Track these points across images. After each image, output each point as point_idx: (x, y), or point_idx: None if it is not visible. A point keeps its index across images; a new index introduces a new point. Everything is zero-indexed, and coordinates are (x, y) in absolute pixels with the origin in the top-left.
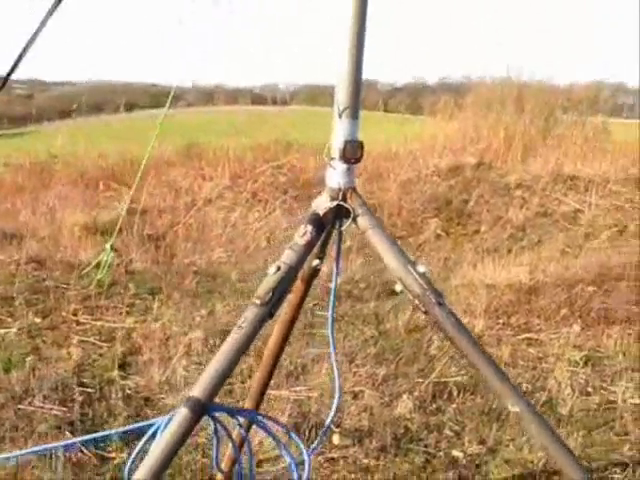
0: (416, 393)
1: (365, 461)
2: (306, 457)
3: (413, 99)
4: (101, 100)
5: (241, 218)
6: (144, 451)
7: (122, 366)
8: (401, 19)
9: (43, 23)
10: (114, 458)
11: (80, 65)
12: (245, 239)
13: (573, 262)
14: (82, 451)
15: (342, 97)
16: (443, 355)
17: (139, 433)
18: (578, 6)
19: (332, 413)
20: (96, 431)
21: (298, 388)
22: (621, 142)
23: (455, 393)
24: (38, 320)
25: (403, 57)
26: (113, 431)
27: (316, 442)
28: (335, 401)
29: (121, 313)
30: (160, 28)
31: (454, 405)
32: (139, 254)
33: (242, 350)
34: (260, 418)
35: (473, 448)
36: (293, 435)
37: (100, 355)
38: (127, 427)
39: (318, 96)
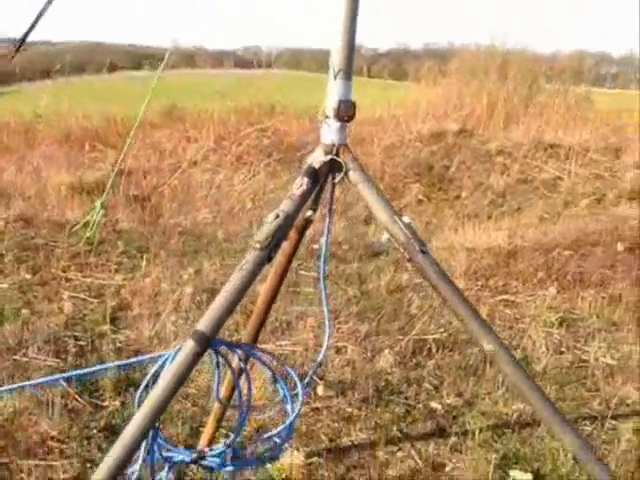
0: (397, 349)
1: (348, 410)
2: (300, 390)
3: (397, 65)
4: (82, 60)
5: (226, 180)
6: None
7: (113, 320)
8: None
9: None
10: (107, 406)
11: (59, 25)
12: (230, 201)
13: (551, 228)
14: (77, 400)
15: (337, 59)
16: (423, 314)
17: (132, 381)
18: None
19: (324, 349)
20: (89, 382)
21: (283, 342)
22: (603, 111)
23: (434, 349)
24: (28, 276)
25: (387, 23)
26: (114, 363)
27: (308, 377)
28: (326, 340)
29: (110, 270)
30: None
31: (433, 361)
32: (125, 214)
33: (244, 289)
34: (257, 352)
35: (451, 400)
36: (288, 369)
37: (91, 310)
38: (130, 360)
39: (300, 60)
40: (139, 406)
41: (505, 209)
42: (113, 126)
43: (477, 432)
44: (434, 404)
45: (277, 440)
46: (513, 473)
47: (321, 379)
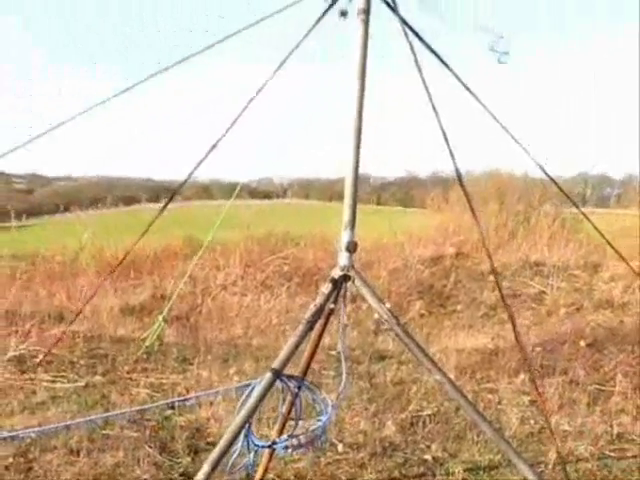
0: (398, 421)
1: (361, 461)
2: (331, 407)
3: (405, 192)
4: (99, 194)
5: (253, 302)
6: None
7: (173, 407)
8: (393, 115)
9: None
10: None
11: (79, 160)
12: (257, 319)
13: (529, 331)
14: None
15: (346, 215)
16: (419, 397)
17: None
18: (563, 101)
19: (341, 388)
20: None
21: None
22: (592, 233)
23: (427, 421)
24: (99, 377)
25: (396, 151)
26: (222, 389)
27: (336, 398)
28: (342, 382)
29: (165, 372)
30: (156, 125)
31: (426, 429)
32: (170, 330)
33: (299, 342)
34: (305, 382)
35: (439, 454)
36: (323, 393)
37: (154, 400)
38: (231, 386)
39: (310, 189)
40: (238, 413)
41: (496, 320)
42: (145, 256)
43: (457, 473)
44: (426, 456)
45: (316, 433)
46: None
47: (340, 441)
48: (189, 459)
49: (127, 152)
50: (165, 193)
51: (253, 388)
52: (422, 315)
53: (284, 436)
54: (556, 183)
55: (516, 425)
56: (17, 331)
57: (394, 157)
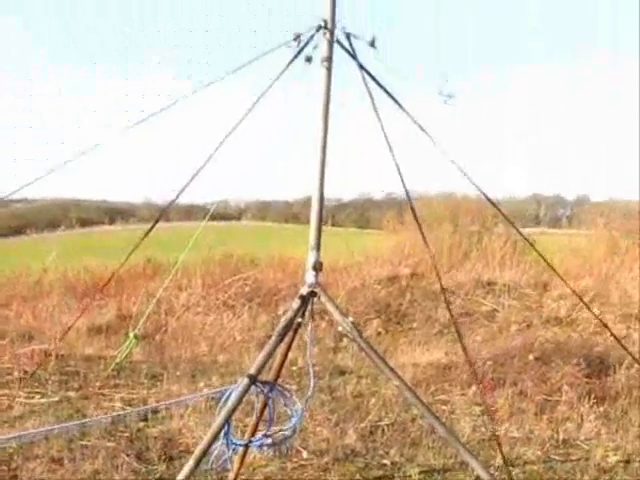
0: (358, 430)
1: (325, 466)
2: (299, 406)
3: (360, 214)
4: (55, 217)
5: (216, 321)
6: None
7: (146, 419)
8: (347, 137)
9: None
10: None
11: (34, 183)
12: (221, 337)
13: (481, 347)
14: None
15: (312, 239)
16: (377, 409)
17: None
18: (518, 121)
19: (310, 392)
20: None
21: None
22: (544, 252)
23: (385, 429)
24: (72, 393)
25: (349, 173)
26: (205, 392)
27: (305, 401)
28: (311, 387)
29: (134, 388)
30: (112, 145)
31: (384, 437)
32: (137, 349)
33: (272, 351)
34: (277, 386)
35: (397, 459)
36: (293, 394)
37: (127, 414)
38: (210, 391)
39: (266, 211)
40: (218, 415)
41: (449, 337)
42: (108, 277)
43: (414, 475)
44: (384, 461)
45: (288, 434)
46: None
47: (305, 448)
48: (164, 466)
49: (81, 175)
50: (119, 215)
51: (231, 392)
52: (379, 333)
53: (259, 435)
54: (494, 205)
55: (468, 432)
56: None
57: (349, 179)
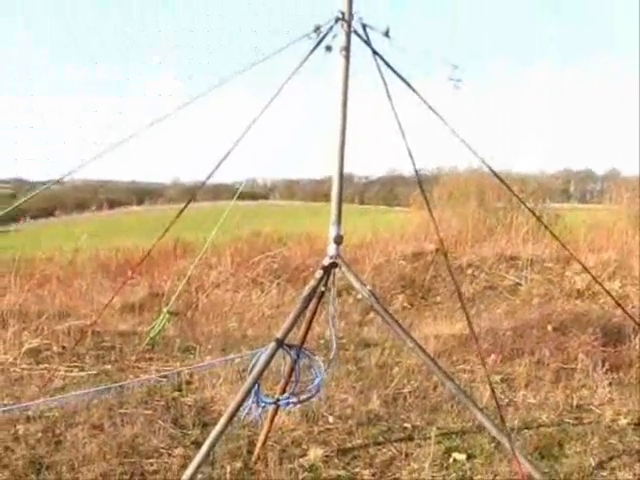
0: (382, 397)
1: (349, 429)
2: (323, 366)
3: (389, 190)
4: (86, 198)
5: (244, 297)
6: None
7: (179, 389)
8: (376, 115)
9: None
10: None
11: (64, 164)
12: (250, 313)
13: (503, 319)
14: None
15: (333, 214)
16: (400, 377)
17: None
18: (547, 99)
19: (332, 353)
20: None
21: None
22: (570, 227)
23: (407, 396)
24: (108, 367)
25: (379, 150)
26: (237, 356)
27: (328, 364)
28: (333, 348)
29: (168, 361)
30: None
31: (406, 402)
32: (169, 325)
33: (296, 318)
34: (304, 350)
35: (418, 422)
36: (317, 358)
37: (161, 386)
38: (242, 354)
39: (293, 190)
40: (250, 373)
41: (474, 311)
42: (140, 257)
43: (433, 437)
44: (406, 424)
45: (312, 392)
46: (454, 455)
47: (330, 414)
48: (198, 431)
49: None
50: (148, 195)
51: (260, 355)
52: (404, 307)
53: (286, 394)
54: (502, 180)
55: (487, 398)
56: (28, 327)
57: (378, 157)
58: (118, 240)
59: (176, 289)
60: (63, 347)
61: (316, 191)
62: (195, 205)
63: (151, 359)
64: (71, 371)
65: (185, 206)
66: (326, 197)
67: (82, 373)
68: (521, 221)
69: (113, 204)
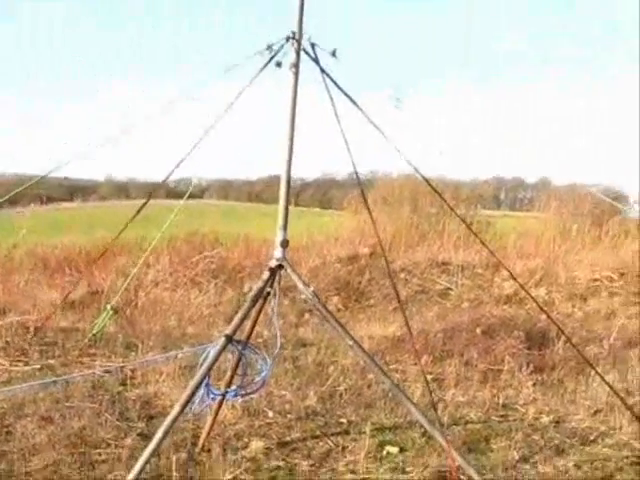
0: (318, 394)
1: (288, 424)
2: (269, 361)
3: (323, 193)
4: (5, 192)
5: (183, 296)
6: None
7: (124, 384)
8: (312, 115)
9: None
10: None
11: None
12: (189, 312)
13: (434, 322)
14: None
15: (280, 219)
16: (337, 374)
17: None
18: (483, 106)
19: (277, 349)
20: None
21: None
22: (500, 234)
23: (343, 393)
24: (52, 361)
25: (313, 153)
26: (174, 353)
27: (273, 357)
28: (277, 343)
29: (110, 357)
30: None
31: (342, 399)
32: (110, 322)
33: (245, 315)
34: (250, 345)
35: (353, 418)
36: (263, 351)
37: (105, 380)
38: (192, 349)
39: (228, 190)
40: (200, 367)
41: (407, 314)
42: (77, 254)
43: (367, 429)
44: (342, 420)
45: (258, 384)
46: (387, 448)
47: (270, 409)
48: (143, 424)
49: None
50: (80, 192)
51: (210, 349)
52: (339, 309)
53: (234, 387)
54: (434, 188)
55: (418, 396)
56: None
57: (313, 159)
58: (55, 236)
59: (115, 287)
60: (6, 342)
61: (250, 192)
62: (129, 203)
63: (94, 355)
64: (15, 365)
65: (143, 205)
66: (258, 197)
67: (26, 367)
68: (453, 228)
69: (45, 200)
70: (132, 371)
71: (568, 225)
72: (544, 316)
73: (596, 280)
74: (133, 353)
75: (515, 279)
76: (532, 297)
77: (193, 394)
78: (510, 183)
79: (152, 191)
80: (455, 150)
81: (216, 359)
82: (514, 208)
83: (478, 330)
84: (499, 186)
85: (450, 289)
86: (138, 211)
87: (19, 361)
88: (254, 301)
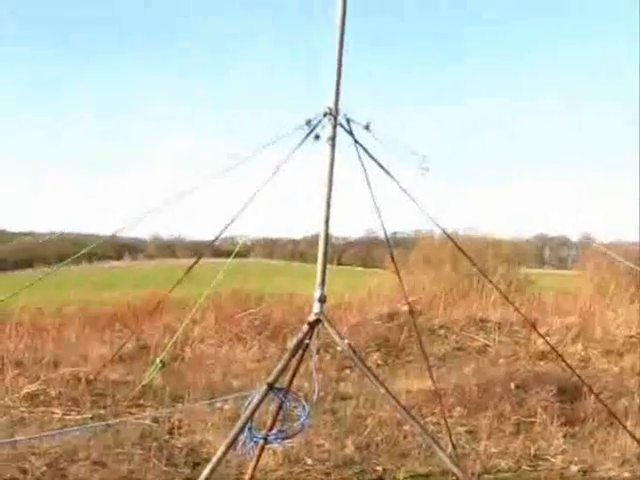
0: (356, 443)
1: (327, 471)
2: (308, 407)
3: (367, 252)
4: (64, 251)
5: (228, 352)
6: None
7: (171, 432)
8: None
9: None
10: None
11: (42, 216)
12: (234, 366)
13: (471, 377)
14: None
15: (318, 277)
16: (373, 426)
17: None
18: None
19: (315, 396)
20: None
21: None
22: (541, 291)
23: (379, 444)
24: (102, 412)
25: (357, 213)
26: (218, 399)
27: (312, 403)
28: (315, 392)
29: (157, 407)
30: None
31: (379, 448)
32: (157, 374)
33: (286, 365)
34: (291, 393)
35: (388, 466)
36: (302, 399)
37: (157, 427)
38: (236, 394)
39: (273, 248)
40: (244, 412)
41: (444, 370)
42: (126, 310)
43: (402, 477)
44: (378, 467)
45: (298, 429)
46: None
47: (309, 457)
48: (189, 470)
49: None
50: (128, 250)
51: (253, 396)
52: (378, 365)
53: (274, 431)
54: (461, 249)
55: (450, 448)
56: (24, 373)
57: (356, 218)
58: (104, 293)
59: (162, 342)
60: (60, 392)
61: (294, 250)
62: (175, 261)
63: (143, 405)
64: (68, 414)
65: (195, 263)
66: (302, 257)
67: (79, 416)
68: (491, 286)
69: (92, 258)
70: (179, 421)
71: (605, 282)
72: (579, 372)
73: (632, 337)
74: (180, 404)
75: (544, 338)
76: (559, 354)
77: (237, 436)
78: (555, 241)
79: (202, 251)
80: (498, 208)
81: (258, 405)
82: (559, 266)
83: (512, 384)
84: (543, 244)
85: (488, 346)
86: (189, 269)
87: (72, 410)
88: (294, 352)
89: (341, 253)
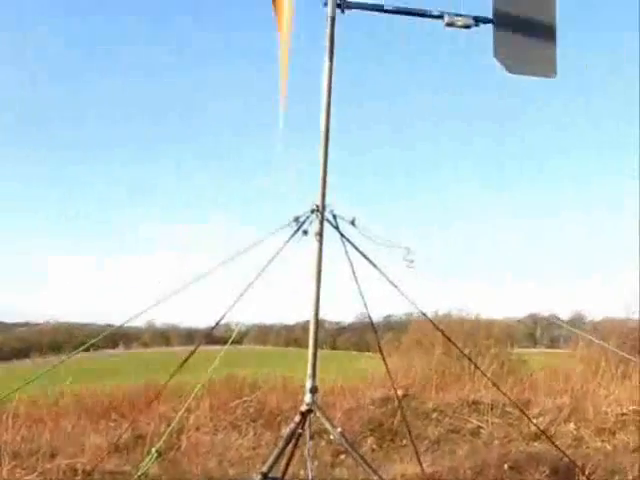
0: None
1: None
2: None
3: (359, 336)
4: (59, 340)
5: (223, 439)
6: None
7: None
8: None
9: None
10: None
11: (37, 307)
12: (230, 453)
13: (465, 459)
14: None
15: (309, 368)
16: None
17: None
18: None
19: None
20: None
21: None
22: (532, 371)
23: None
24: None
25: (348, 299)
26: None
27: None
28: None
29: None
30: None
31: None
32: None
33: (280, 454)
34: None
35: None
36: None
37: None
38: None
39: (267, 334)
40: None
41: (438, 453)
42: (121, 399)
43: None
44: None
45: None
46: None
47: None
48: None
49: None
50: (123, 338)
51: None
52: (373, 449)
53: None
54: (443, 333)
55: None
56: (21, 465)
57: (348, 304)
58: (100, 382)
59: (158, 431)
60: None
61: (288, 336)
62: (169, 350)
63: None
64: None
65: (192, 352)
66: (296, 342)
67: None
68: (484, 368)
69: (90, 347)
70: None
71: (596, 361)
72: (570, 451)
73: (624, 414)
74: None
75: (532, 422)
76: (548, 437)
77: None
78: (546, 320)
79: (199, 340)
80: (490, 289)
81: None
82: (551, 345)
83: (506, 466)
84: (534, 324)
85: (481, 427)
86: (186, 359)
87: None
88: (287, 441)
89: (335, 337)
